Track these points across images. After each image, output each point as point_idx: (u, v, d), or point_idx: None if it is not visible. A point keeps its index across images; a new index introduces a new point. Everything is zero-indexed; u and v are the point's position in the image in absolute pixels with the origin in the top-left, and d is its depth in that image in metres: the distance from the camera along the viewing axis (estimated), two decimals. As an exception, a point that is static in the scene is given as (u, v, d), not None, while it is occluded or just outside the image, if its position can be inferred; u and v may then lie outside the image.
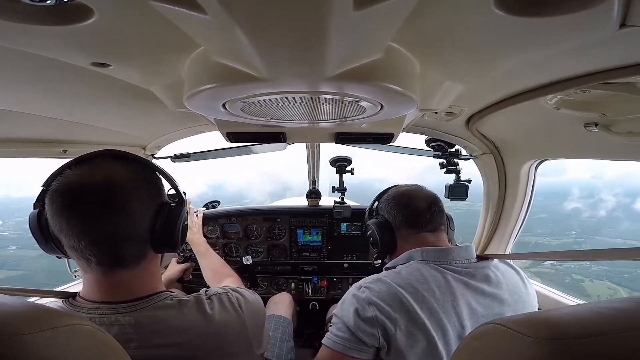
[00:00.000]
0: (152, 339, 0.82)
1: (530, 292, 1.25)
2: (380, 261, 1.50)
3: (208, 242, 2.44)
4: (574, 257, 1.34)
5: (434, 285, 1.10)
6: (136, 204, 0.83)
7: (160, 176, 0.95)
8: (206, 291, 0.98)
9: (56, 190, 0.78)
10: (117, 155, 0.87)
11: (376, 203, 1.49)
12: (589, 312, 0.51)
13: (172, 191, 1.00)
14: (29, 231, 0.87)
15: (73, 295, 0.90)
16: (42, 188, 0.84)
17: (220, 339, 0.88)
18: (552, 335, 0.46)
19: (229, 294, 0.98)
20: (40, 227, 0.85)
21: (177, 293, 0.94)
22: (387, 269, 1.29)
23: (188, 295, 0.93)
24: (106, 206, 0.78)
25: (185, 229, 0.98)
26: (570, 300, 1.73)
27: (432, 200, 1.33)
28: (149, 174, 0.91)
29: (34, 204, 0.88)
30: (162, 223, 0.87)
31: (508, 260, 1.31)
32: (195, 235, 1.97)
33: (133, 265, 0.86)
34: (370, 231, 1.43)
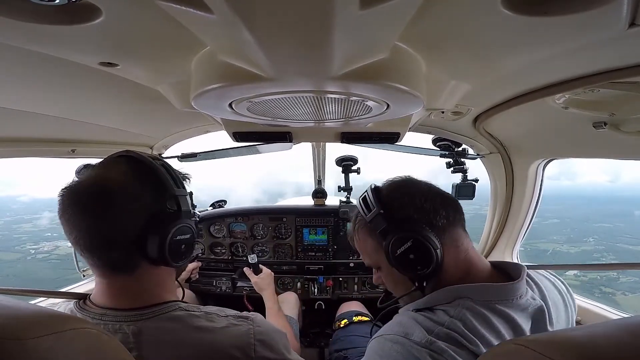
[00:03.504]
0: (152, 350, 0.81)
1: (571, 302, 1.03)
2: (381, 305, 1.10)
3: (215, 241, 2.47)
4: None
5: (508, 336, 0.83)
6: (120, 210, 0.80)
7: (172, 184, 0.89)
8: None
9: (61, 190, 0.80)
10: (130, 157, 0.88)
11: (372, 206, 0.93)
12: (618, 331, 0.46)
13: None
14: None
15: (85, 297, 0.90)
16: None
17: (223, 355, 0.85)
18: (582, 359, 0.42)
19: (245, 315, 0.95)
20: None
21: (189, 305, 0.90)
22: (418, 310, 0.89)
23: (199, 309, 0.90)
24: (89, 209, 0.78)
25: (187, 243, 0.90)
26: (611, 313, 1.61)
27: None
28: (153, 179, 0.86)
29: None
30: (149, 232, 0.82)
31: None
32: (265, 292, 1.83)
33: (130, 272, 0.84)
34: (405, 245, 0.87)
